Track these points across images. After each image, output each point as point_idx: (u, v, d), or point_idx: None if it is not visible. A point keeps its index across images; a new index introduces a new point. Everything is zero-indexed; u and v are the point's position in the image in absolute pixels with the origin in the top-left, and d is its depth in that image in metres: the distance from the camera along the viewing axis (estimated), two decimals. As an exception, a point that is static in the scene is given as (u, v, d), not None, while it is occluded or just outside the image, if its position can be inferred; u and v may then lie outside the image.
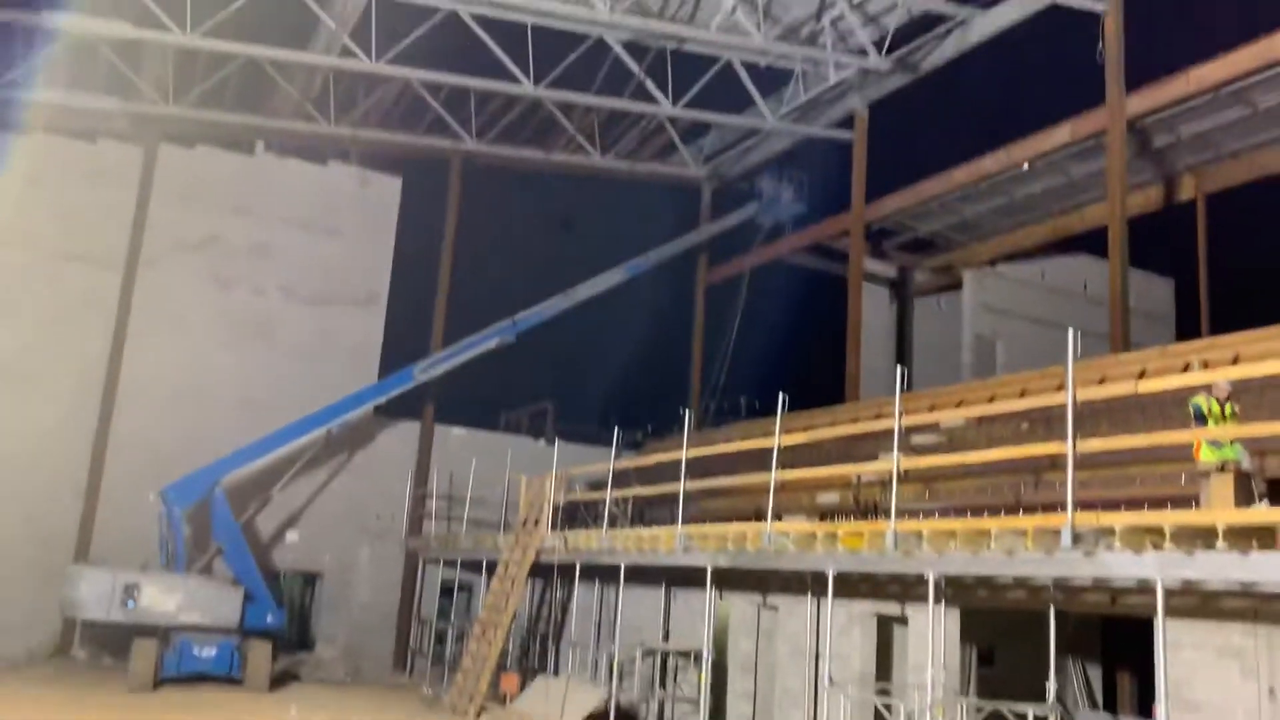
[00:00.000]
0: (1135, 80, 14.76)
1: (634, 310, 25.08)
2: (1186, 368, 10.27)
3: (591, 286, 20.62)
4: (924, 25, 17.59)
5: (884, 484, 10.34)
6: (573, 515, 15.82)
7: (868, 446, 11.85)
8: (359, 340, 20.68)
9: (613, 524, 13.97)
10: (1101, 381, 10.51)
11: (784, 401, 10.63)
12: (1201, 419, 7.48)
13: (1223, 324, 16.34)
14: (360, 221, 21.22)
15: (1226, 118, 15.71)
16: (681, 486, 11.47)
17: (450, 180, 21.97)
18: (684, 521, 11.42)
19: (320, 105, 20.04)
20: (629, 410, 22.47)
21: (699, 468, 12.54)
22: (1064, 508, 7.18)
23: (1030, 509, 9.26)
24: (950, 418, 11.52)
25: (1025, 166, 17.55)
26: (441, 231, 22.01)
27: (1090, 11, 14.94)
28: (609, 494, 13.62)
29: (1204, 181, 17.57)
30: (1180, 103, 14.98)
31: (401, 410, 20.51)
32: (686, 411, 12.76)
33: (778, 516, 10.59)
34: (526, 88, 17.93)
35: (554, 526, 14.70)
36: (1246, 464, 7.48)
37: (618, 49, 18.04)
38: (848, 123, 19.93)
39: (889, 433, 9.19)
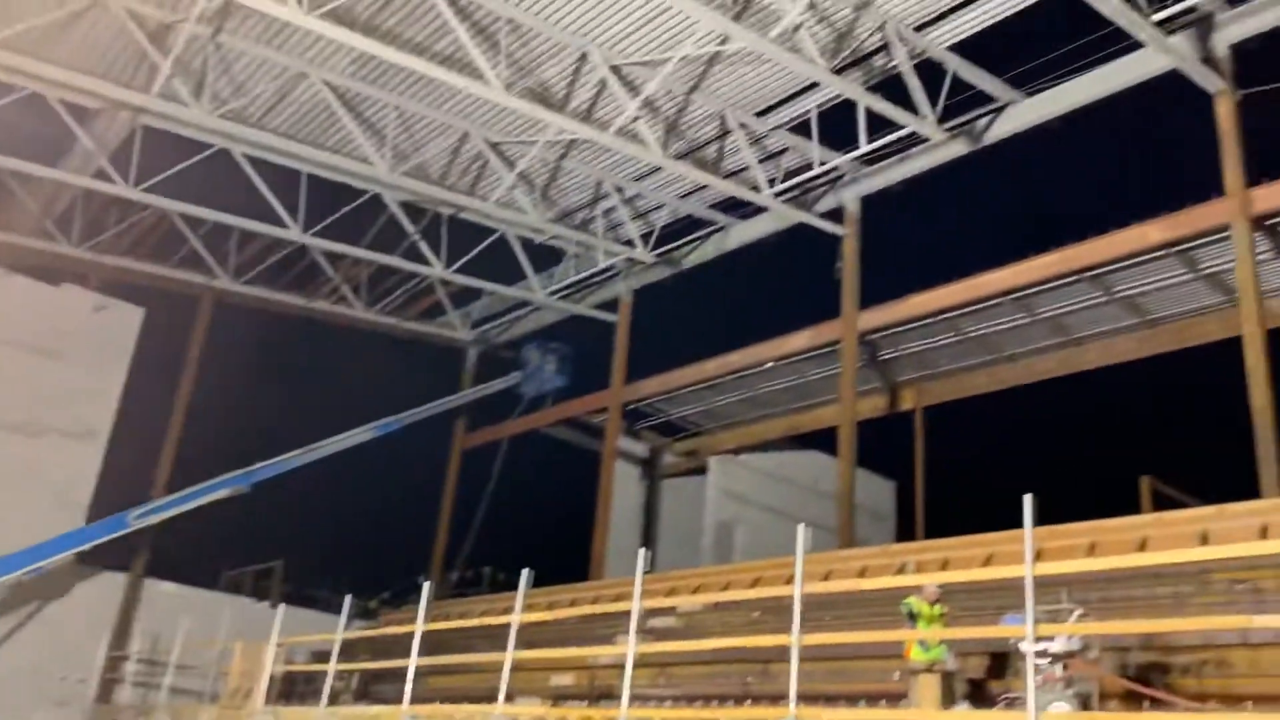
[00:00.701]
0: (870, 298, 16.33)
1: (382, 469, 24.25)
2: (902, 568, 11.03)
3: (337, 442, 19.93)
4: (689, 226, 18.95)
5: (620, 668, 10.27)
6: (291, 688, 14.66)
7: (608, 627, 11.82)
8: (69, 477, 18.81)
9: (334, 700, 13.03)
10: (827, 576, 11.10)
11: (528, 577, 10.49)
12: (912, 619, 8.01)
13: (937, 526, 17.82)
14: (89, 350, 19.67)
15: (940, 340, 17.57)
16: (412, 662, 10.93)
17: (198, 316, 20.94)
18: (412, 700, 10.84)
19: (63, 224, 18.80)
20: (366, 575, 21.38)
21: (434, 641, 12.03)
22: (788, 700, 7.38)
23: (759, 699, 9.45)
24: (688, 603, 11.74)
25: (769, 365, 18.84)
26: (182, 368, 20.78)
27: (833, 234, 16.58)
28: (332, 666, 12.76)
29: (921, 395, 19.41)
30: (903, 323, 16.72)
31: (108, 559, 18.62)
32: (425, 581, 12.31)
33: (511, 698, 10.26)
34: (294, 233, 17.61)
35: (268, 700, 13.54)
36: (951, 664, 8.02)
37: (394, 208, 18.18)
38: (613, 305, 20.79)
39: (628, 614, 9.23)
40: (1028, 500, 6.28)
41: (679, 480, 23.71)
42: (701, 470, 22.99)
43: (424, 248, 18.83)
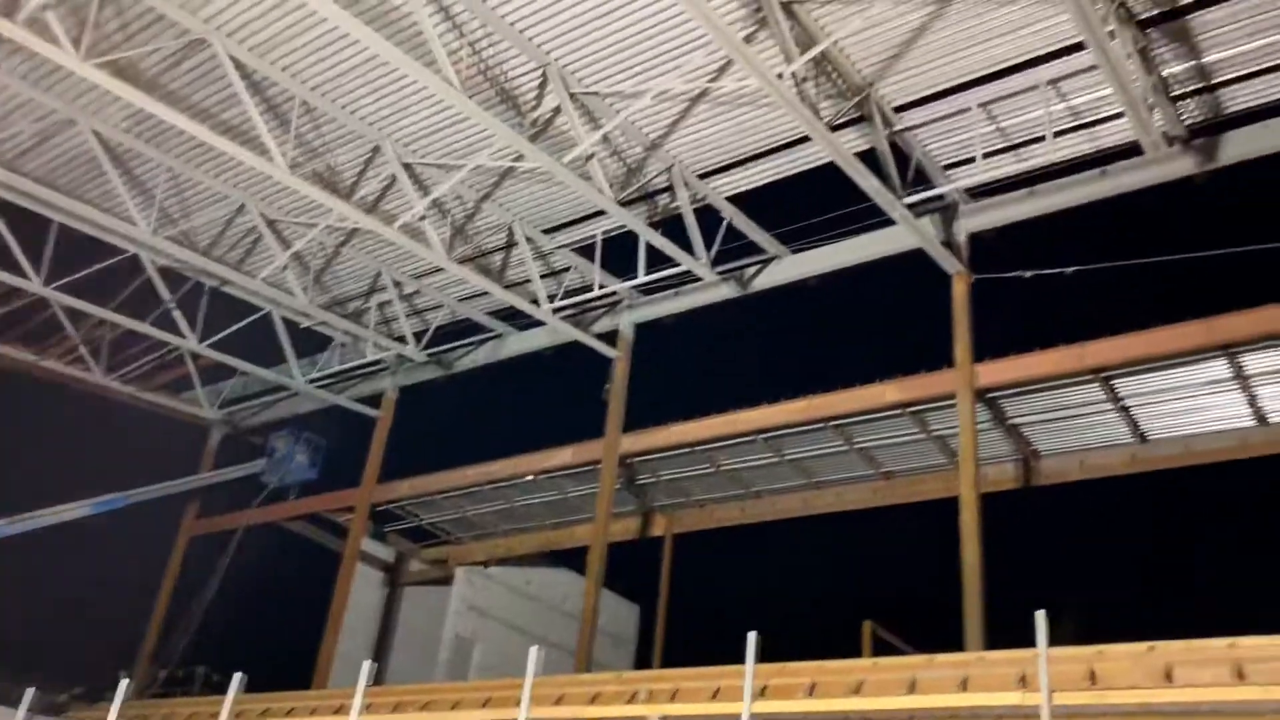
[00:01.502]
0: (634, 422, 16.70)
1: (96, 549, 22.14)
2: (634, 696, 11.04)
3: (49, 515, 18.10)
4: (466, 329, 18.86)
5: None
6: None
7: (322, 742, 11.11)
8: None
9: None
10: (560, 700, 10.96)
11: (240, 681, 9.77)
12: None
13: (677, 654, 18.06)
14: None
15: (695, 470, 18.13)
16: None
17: (-97, 361, 18.75)
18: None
19: None
20: (62, 666, 19.21)
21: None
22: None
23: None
24: (413, 720, 11.24)
25: (529, 477, 18.79)
26: None
27: (605, 355, 16.96)
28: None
29: (673, 522, 19.87)
30: (662, 450, 17.18)
31: None
32: (127, 678, 11.22)
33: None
34: (34, 284, 16.21)
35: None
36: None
37: (152, 272, 17.14)
38: (375, 400, 20.21)
39: (345, 731, 8.72)
40: (751, 638, 6.49)
41: (423, 589, 22.93)
42: (447, 580, 22.37)
43: (178, 316, 17.77)
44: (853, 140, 13.27)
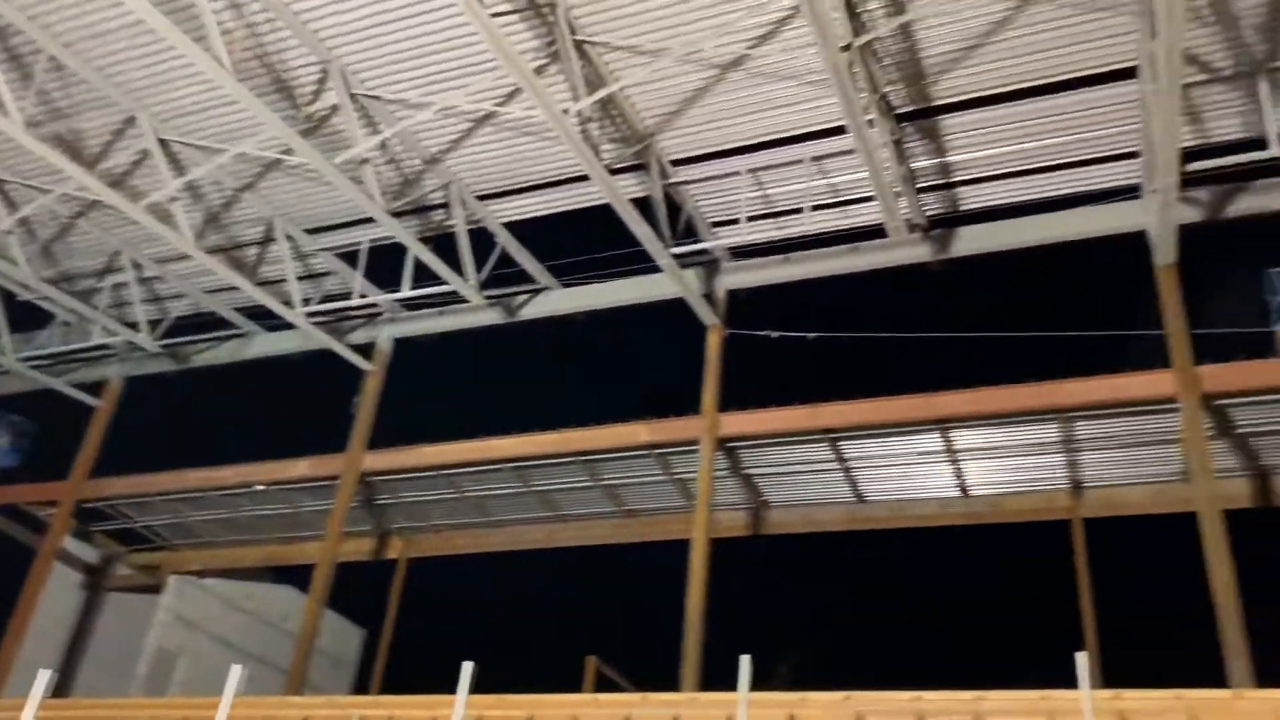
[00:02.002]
0: (380, 439, 16.15)
1: None
2: (345, 722, 10.62)
3: None
4: (210, 323, 17.68)
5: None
6: None
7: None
8: None
9: None
10: (264, 723, 10.37)
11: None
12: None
13: (399, 681, 17.55)
14: None
15: (438, 495, 17.80)
16: None
17: None
18: None
19: None
20: None
21: None
22: None
23: None
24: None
25: (259, 487, 17.80)
26: None
27: (359, 368, 16.40)
28: None
29: (409, 546, 19.38)
30: (406, 471, 16.77)
31: None
32: None
33: None
34: None
35: None
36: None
37: None
38: (97, 389, 18.59)
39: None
40: (466, 668, 6.41)
41: (128, 596, 21.16)
42: (157, 588, 20.76)
43: None
44: (630, 186, 13.61)
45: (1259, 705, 8.03)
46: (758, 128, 12.84)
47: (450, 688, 9.64)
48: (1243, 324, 12.85)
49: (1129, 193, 12.99)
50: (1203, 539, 10.71)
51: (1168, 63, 9.56)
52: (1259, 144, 11.55)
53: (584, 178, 12.89)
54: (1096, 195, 13.20)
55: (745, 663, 8.36)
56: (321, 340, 16.18)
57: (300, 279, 15.79)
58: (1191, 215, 12.64)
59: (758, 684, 9.52)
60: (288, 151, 12.90)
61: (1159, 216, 12.12)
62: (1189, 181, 11.95)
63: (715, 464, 14.12)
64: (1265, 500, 13.78)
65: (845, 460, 15.05)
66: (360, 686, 21.91)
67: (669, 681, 11.81)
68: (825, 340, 14.53)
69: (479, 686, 9.10)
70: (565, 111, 11.11)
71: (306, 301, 15.78)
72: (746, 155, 13.34)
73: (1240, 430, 13.01)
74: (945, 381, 13.46)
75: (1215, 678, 9.90)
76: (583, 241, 15.44)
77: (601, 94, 11.59)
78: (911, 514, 15.82)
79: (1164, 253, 12.34)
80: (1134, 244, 12.83)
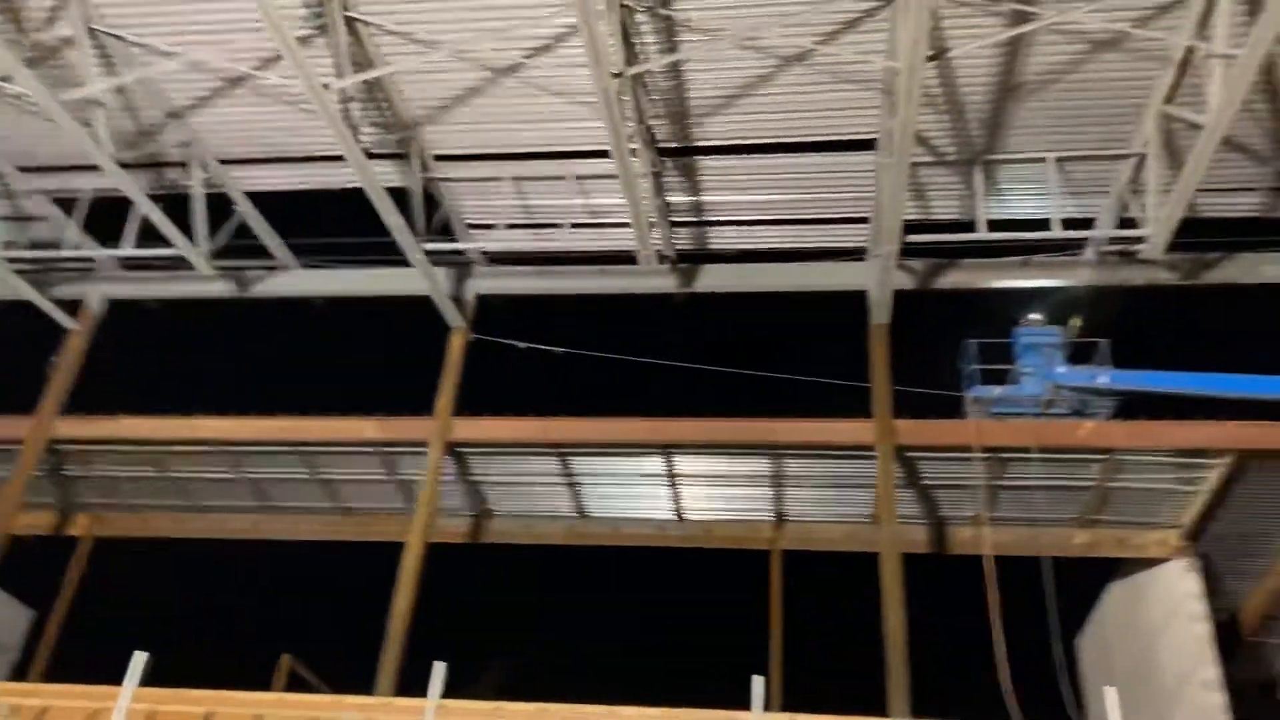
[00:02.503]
0: (79, 403, 14.77)
1: None
2: None
3: None
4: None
5: None
6: None
7: None
8: None
9: None
10: (-110, 709, 9.19)
11: None
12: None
13: (75, 669, 15.95)
14: None
15: (137, 472, 16.44)
16: None
17: None
18: None
19: None
20: None
21: None
22: None
23: None
24: None
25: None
26: None
27: (62, 325, 14.96)
28: None
29: (98, 524, 17.76)
30: (103, 443, 15.42)
31: None
32: None
33: None
34: None
35: None
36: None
37: None
38: None
39: None
40: (137, 658, 5.98)
41: None
42: None
43: None
44: (388, 174, 13.26)
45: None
46: (526, 137, 12.88)
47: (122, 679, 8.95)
48: (941, 386, 14.20)
49: (857, 254, 14.06)
50: (882, 578, 11.71)
51: (901, 141, 10.48)
52: (970, 226, 12.83)
53: (339, 158, 12.42)
54: (831, 252, 14.20)
55: (439, 670, 8.30)
56: (20, 290, 14.64)
57: (4, 219, 14.24)
58: (906, 282, 13.86)
59: (463, 692, 9.47)
60: (9, 79, 11.61)
61: (878, 279, 13.21)
62: (908, 251, 13.11)
63: (442, 469, 13.95)
64: (940, 548, 15.21)
65: (572, 476, 15.27)
66: (20, 673, 19.83)
67: (369, 685, 11.50)
68: (569, 357, 14.73)
69: (160, 679, 8.54)
70: (326, 87, 10.69)
71: (9, 245, 14.25)
72: (512, 163, 13.35)
73: (925, 482, 14.32)
74: (675, 408, 14.02)
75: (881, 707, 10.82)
76: (332, 225, 14.86)
77: (367, 75, 11.26)
78: (630, 533, 16.24)
79: (879, 313, 13.44)
80: (857, 301, 13.90)
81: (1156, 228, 12.04)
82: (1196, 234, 13.22)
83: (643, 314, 16.24)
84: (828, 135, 12.45)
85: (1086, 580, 16.40)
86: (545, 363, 14.68)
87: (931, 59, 10.30)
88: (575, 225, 13.91)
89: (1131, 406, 13.09)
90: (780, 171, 13.12)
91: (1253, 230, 13.42)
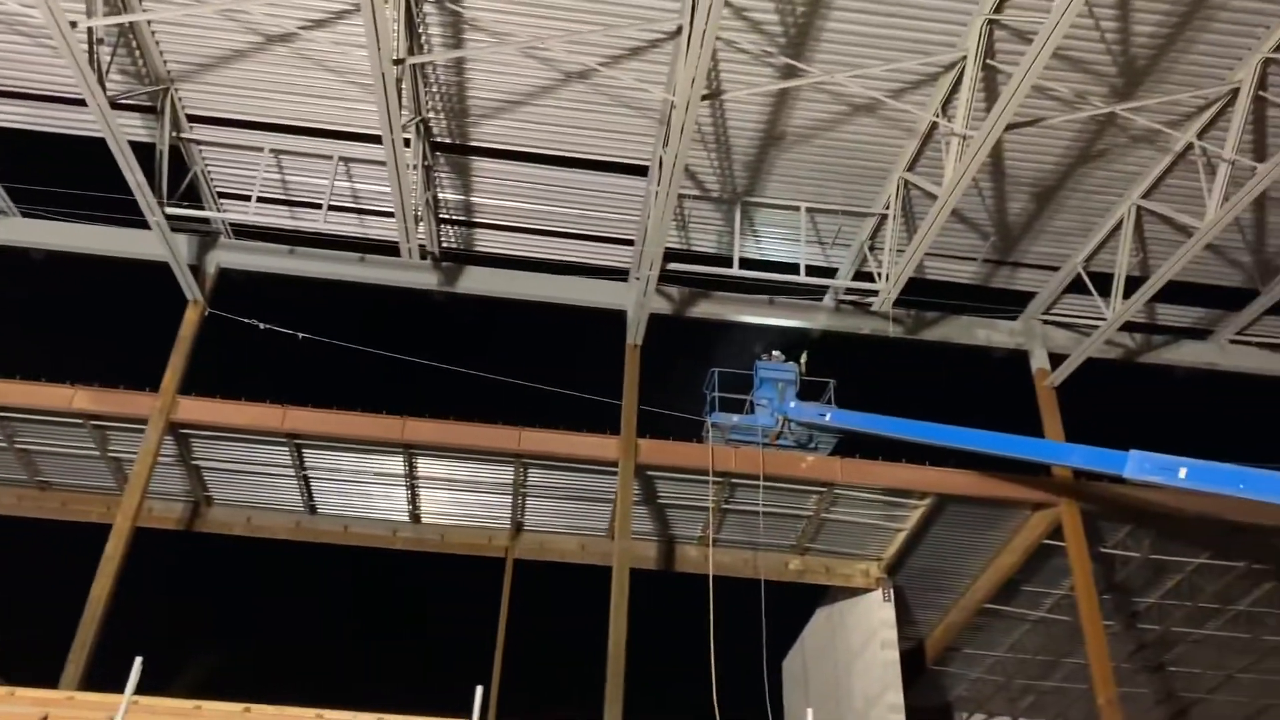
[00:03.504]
0: None
1: None
2: None
3: None
4: None
5: None
6: None
7: None
8: None
9: None
10: None
11: None
12: None
13: None
14: None
15: None
16: None
17: None
18: None
19: None
20: None
21: None
22: None
23: None
24: None
25: None
26: None
27: None
28: None
29: None
30: None
31: None
32: None
33: None
34: None
35: None
36: None
37: None
38: None
39: None
40: None
41: None
42: None
43: None
44: (135, 127, 12.28)
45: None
46: (293, 110, 12.29)
47: None
48: (687, 410, 14.72)
49: (619, 275, 14.37)
50: (611, 591, 11.98)
51: (671, 172, 10.82)
52: (727, 261, 13.41)
53: (81, 102, 11.35)
54: (594, 269, 14.45)
55: (138, 664, 7.71)
56: None
57: None
58: (663, 306, 14.33)
59: (161, 688, 8.85)
60: None
61: (637, 301, 13.56)
62: (667, 278, 13.54)
63: (162, 449, 13.01)
64: (669, 565, 15.72)
65: (305, 469, 14.63)
66: None
67: (52, 678, 10.52)
68: (313, 344, 14.10)
69: None
70: (74, 25, 9.76)
71: None
72: (274, 134, 12.70)
73: (661, 500, 14.78)
74: (422, 409, 13.74)
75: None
76: (67, 174, 13.57)
77: (122, 19, 10.38)
78: (360, 533, 15.73)
79: (634, 333, 13.80)
80: (618, 320, 14.22)
81: (888, 284, 13.09)
82: (922, 293, 14.54)
83: (398, 309, 15.85)
84: (602, 156, 12.66)
85: (804, 603, 17.51)
86: (287, 347, 13.98)
87: (706, 98, 10.73)
88: (335, 208, 13.41)
89: (849, 445, 14.09)
90: (553, 184, 13.21)
91: (970, 296, 14.88)
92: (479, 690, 8.19)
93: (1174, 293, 14.14)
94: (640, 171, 12.83)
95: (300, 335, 14.01)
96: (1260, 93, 10.84)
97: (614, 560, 12.54)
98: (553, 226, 13.97)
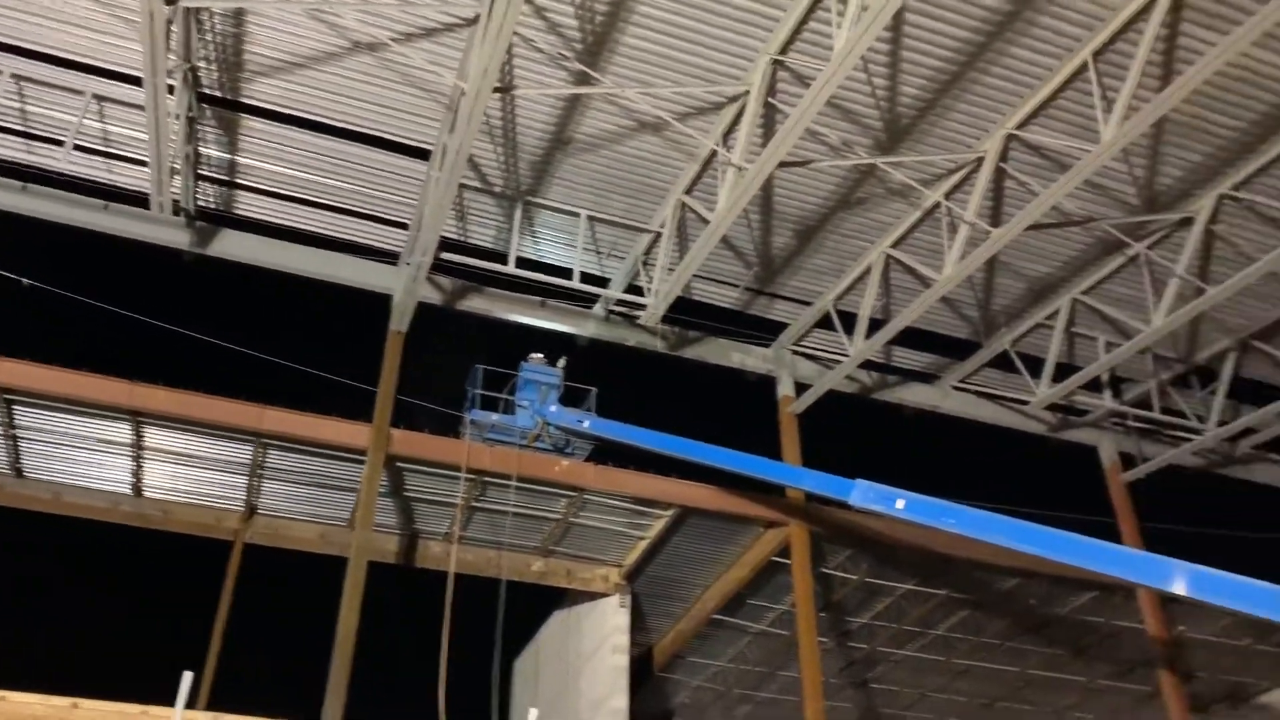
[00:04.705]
0: None
1: None
2: None
3: None
4: None
5: None
6: None
7: None
8: None
9: None
10: None
11: None
12: None
13: None
14: None
15: None
16: None
17: None
18: None
19: None
20: None
21: None
22: None
23: None
24: None
25: None
26: None
27: None
28: None
29: None
30: None
31: None
32: None
33: None
34: None
35: None
36: None
37: None
38: None
39: None
40: None
41: None
42: None
43: None
44: None
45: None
46: (43, 35, 11.18)
47: None
48: (448, 404, 14.46)
49: (389, 257, 13.99)
50: (345, 583, 11.59)
51: (454, 160, 10.66)
52: (502, 258, 13.33)
53: None
54: (363, 249, 13.99)
55: None
56: None
57: None
58: (433, 296, 14.07)
59: None
60: None
61: (405, 287, 13.25)
62: (440, 267, 13.31)
63: None
64: (409, 560, 15.37)
65: (15, 428, 13.27)
66: None
67: None
68: (38, 291, 12.83)
69: None
70: None
71: None
72: (18, 58, 11.51)
73: (408, 493, 14.45)
74: (156, 376, 12.77)
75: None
76: None
77: None
78: (74, 503, 14.40)
79: (399, 320, 13.46)
80: (383, 304, 13.82)
81: (656, 300, 13.45)
82: (687, 312, 15.03)
83: (143, 266, 14.72)
84: (383, 133, 12.31)
85: (544, 605, 17.59)
86: (9, 292, 12.66)
87: (498, 90, 10.65)
88: (81, 148, 12.33)
89: (603, 452, 14.31)
90: (327, 154, 12.71)
91: (731, 321, 15.53)
92: (187, 676, 7.70)
93: (910, 337, 15.31)
94: (422, 155, 12.56)
95: (25, 281, 12.73)
96: (1001, 164, 11.95)
97: (351, 551, 12.14)
98: (322, 199, 13.42)
